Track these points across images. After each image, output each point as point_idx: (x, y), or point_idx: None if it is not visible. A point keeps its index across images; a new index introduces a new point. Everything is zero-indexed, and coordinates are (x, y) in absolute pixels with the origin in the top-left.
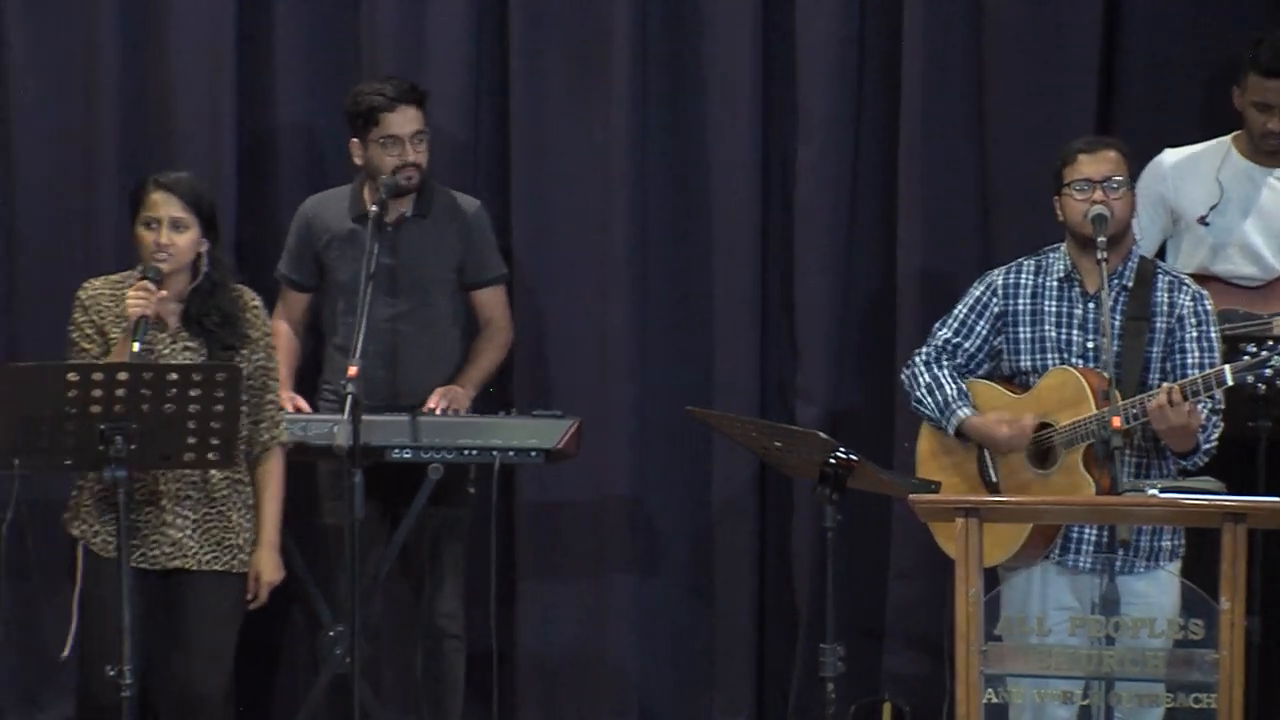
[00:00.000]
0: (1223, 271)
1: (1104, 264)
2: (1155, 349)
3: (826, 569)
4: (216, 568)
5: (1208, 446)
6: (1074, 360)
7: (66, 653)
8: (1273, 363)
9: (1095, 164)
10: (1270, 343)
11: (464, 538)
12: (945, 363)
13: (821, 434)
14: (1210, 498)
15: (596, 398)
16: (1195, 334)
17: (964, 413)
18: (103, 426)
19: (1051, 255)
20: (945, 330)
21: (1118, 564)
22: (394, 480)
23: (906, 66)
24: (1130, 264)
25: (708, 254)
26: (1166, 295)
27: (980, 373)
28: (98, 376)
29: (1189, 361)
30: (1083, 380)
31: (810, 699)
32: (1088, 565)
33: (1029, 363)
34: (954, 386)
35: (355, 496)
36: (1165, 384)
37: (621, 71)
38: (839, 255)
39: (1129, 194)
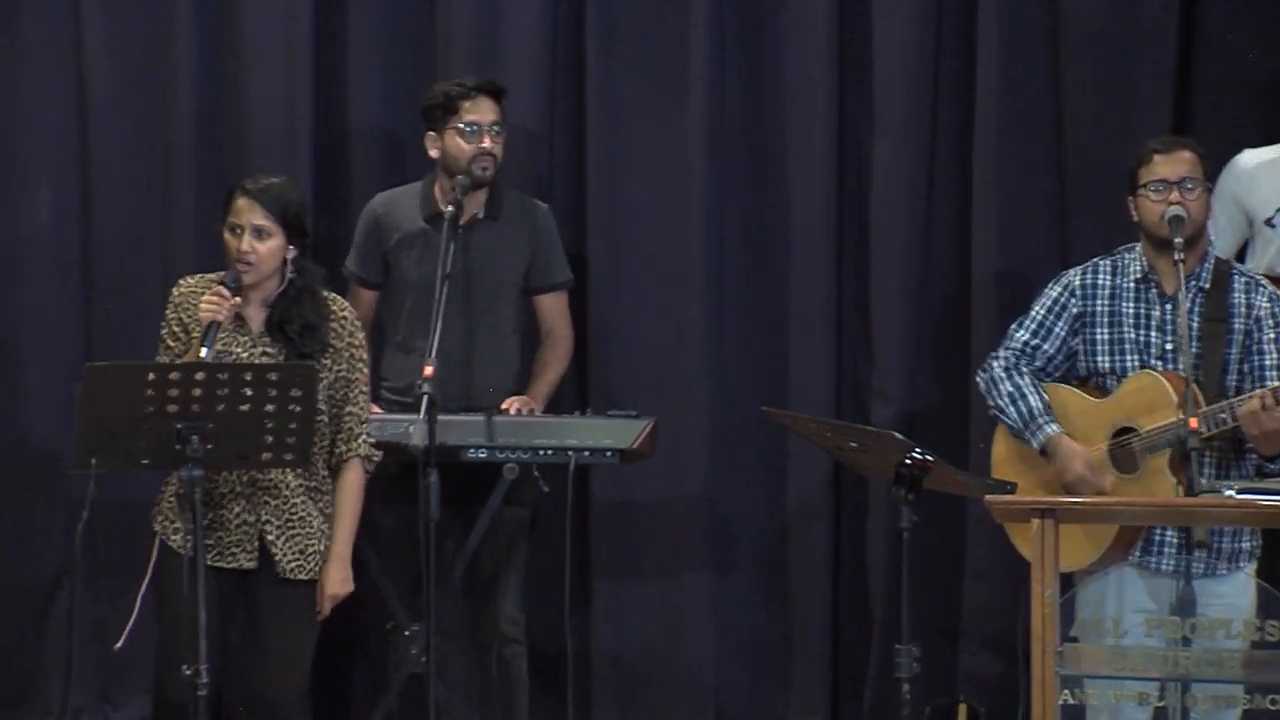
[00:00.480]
0: None
1: (1181, 265)
2: (1233, 350)
3: (902, 570)
4: (301, 576)
5: None
6: (1152, 362)
7: (120, 644)
8: None
9: (1171, 165)
10: None
11: (526, 540)
12: (1024, 367)
13: (897, 434)
14: None
15: (671, 398)
16: (1273, 335)
17: (1051, 429)
18: (179, 426)
19: (1127, 256)
20: (1023, 332)
21: (1201, 567)
22: (464, 481)
23: (982, 66)
24: (1206, 265)
25: (783, 254)
26: (1244, 296)
27: (1057, 375)
28: (175, 376)
29: (1267, 363)
30: (1166, 384)
31: (885, 700)
32: (1169, 567)
33: (1106, 364)
34: (1037, 398)
35: (431, 496)
36: (1259, 389)
37: (698, 71)
38: (914, 255)
39: (1205, 195)
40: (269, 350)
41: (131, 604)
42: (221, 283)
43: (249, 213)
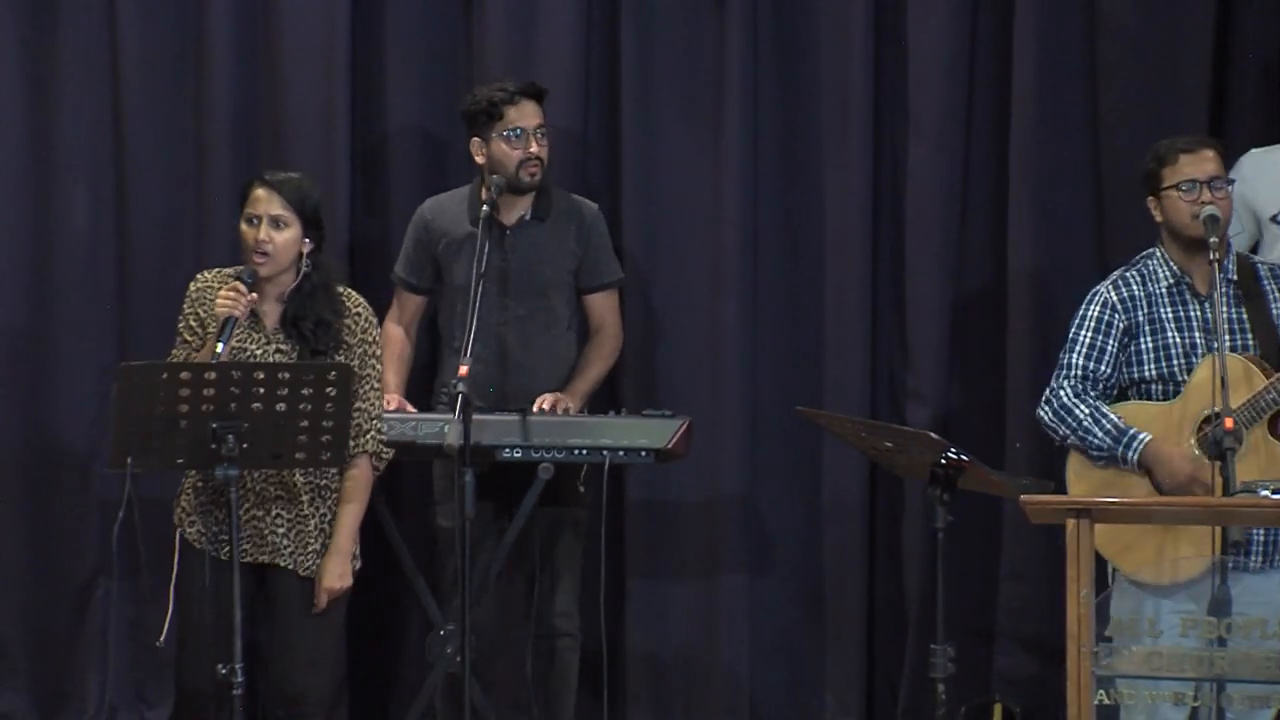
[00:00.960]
0: None
1: (1215, 264)
2: None
3: (937, 570)
4: (314, 574)
5: None
6: (1199, 363)
7: (161, 640)
8: None
9: (1199, 164)
10: None
11: (582, 537)
12: (1091, 392)
13: (932, 434)
14: None
15: (707, 397)
16: None
17: (1145, 436)
18: (214, 425)
19: (1150, 262)
20: (1078, 357)
21: (1251, 561)
22: (507, 481)
23: (1018, 66)
24: (1231, 258)
25: (819, 253)
26: (1273, 284)
27: (1113, 396)
28: (210, 375)
29: None
30: (1239, 361)
31: (920, 699)
32: (1257, 565)
33: (1153, 371)
34: (1116, 415)
35: (466, 496)
36: None
37: (733, 71)
38: (950, 255)
39: (1230, 192)
40: (283, 348)
41: (164, 603)
42: (238, 278)
43: (267, 203)
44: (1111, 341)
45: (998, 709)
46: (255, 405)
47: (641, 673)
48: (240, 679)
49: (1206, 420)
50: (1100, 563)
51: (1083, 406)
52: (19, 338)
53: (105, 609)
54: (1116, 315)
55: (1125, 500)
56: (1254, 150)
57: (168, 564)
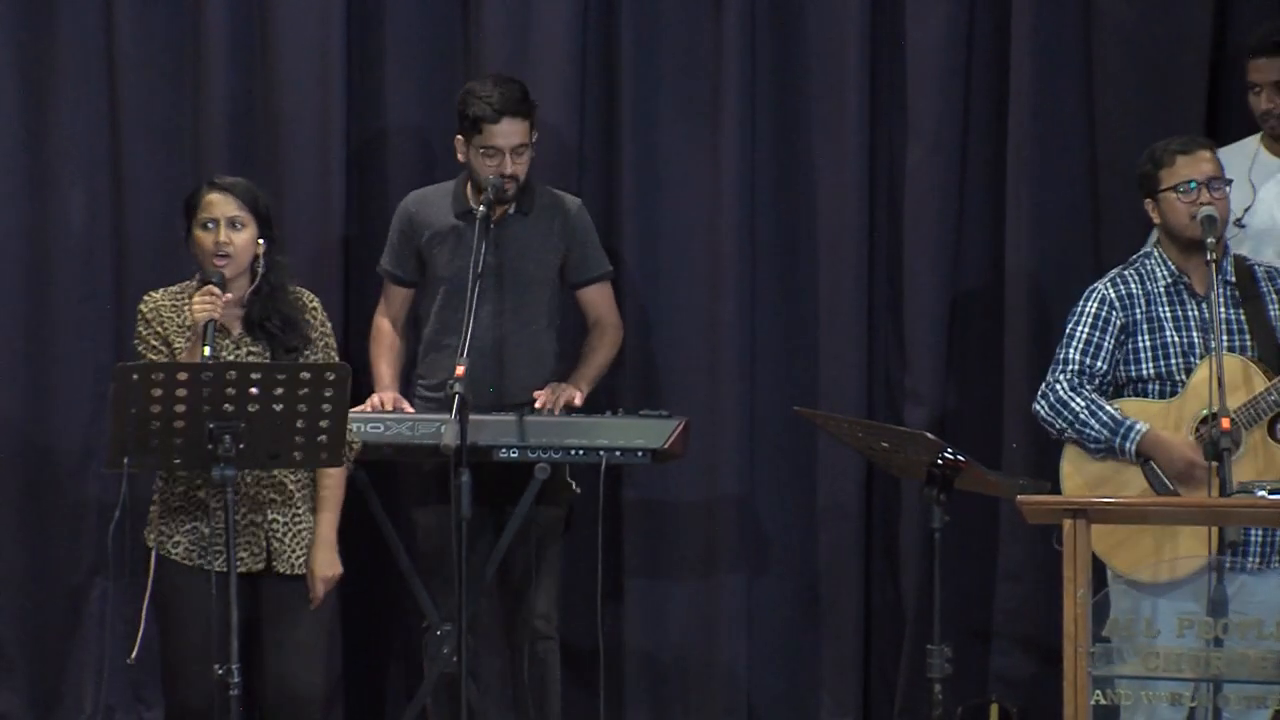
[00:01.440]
0: None
1: (1213, 265)
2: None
3: (933, 570)
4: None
5: None
6: (1197, 362)
7: (133, 658)
8: None
9: (1197, 165)
10: None
11: (560, 539)
12: (1087, 386)
13: (929, 434)
14: None
15: (704, 398)
16: None
17: (1143, 426)
18: (211, 426)
19: (1148, 262)
20: (1074, 353)
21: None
22: (495, 480)
23: (1015, 67)
24: (1228, 259)
25: (815, 254)
26: (1270, 284)
27: (1109, 393)
28: (207, 376)
29: None
30: (1235, 361)
31: (917, 700)
32: (1254, 565)
33: (1151, 370)
34: (1114, 407)
35: (463, 496)
36: None
37: (730, 71)
38: (946, 256)
39: (1227, 193)
40: (254, 350)
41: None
42: (207, 281)
43: (222, 205)
44: (1108, 338)
45: (994, 709)
46: (252, 406)
47: (639, 673)
48: (237, 679)
49: (1204, 420)
50: (1098, 563)
51: (1079, 399)
52: (16, 337)
53: (102, 609)
54: (1114, 312)
55: (1122, 500)
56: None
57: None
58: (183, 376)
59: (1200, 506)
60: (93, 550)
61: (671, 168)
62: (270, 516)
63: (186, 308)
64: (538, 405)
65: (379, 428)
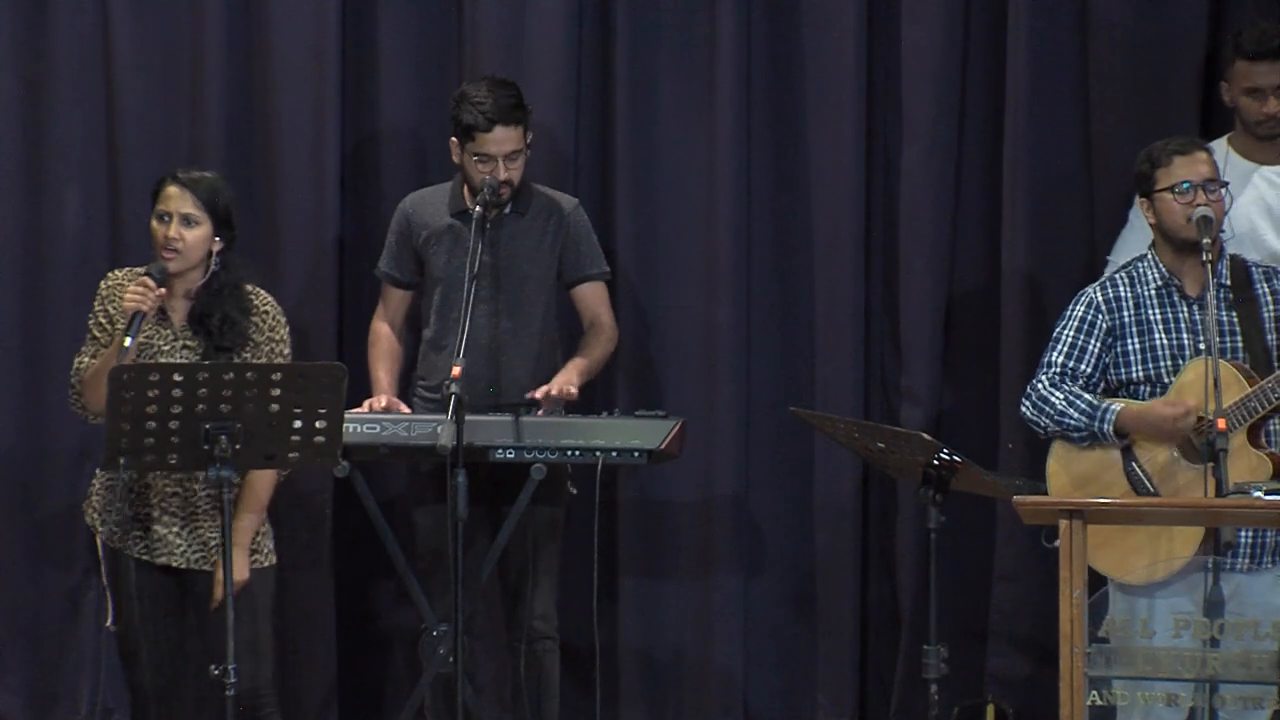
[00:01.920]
0: None
1: (1209, 266)
2: (1272, 338)
3: (929, 570)
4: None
5: None
6: (1186, 365)
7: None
8: None
9: (1193, 166)
10: None
11: (559, 539)
12: (1068, 385)
13: (925, 435)
14: None
15: (700, 398)
16: None
17: (1118, 405)
18: (207, 426)
19: (1140, 264)
20: (1058, 355)
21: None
22: (492, 481)
23: (1011, 67)
24: (1224, 261)
25: (811, 254)
26: (1266, 285)
27: (1095, 394)
28: (203, 376)
29: None
30: (1225, 367)
31: (913, 700)
32: (1242, 567)
33: (1140, 373)
34: (1092, 395)
35: (460, 497)
36: None
37: (725, 71)
38: (942, 255)
39: (1223, 194)
40: (189, 344)
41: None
42: (147, 273)
43: (179, 200)
44: (1094, 341)
45: (990, 710)
46: (249, 406)
47: (635, 673)
48: (233, 679)
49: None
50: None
51: (1058, 394)
52: (11, 337)
53: (98, 609)
54: (1100, 315)
55: (1118, 501)
56: None
57: None
58: (179, 377)
59: (1197, 507)
60: (89, 551)
61: (667, 169)
62: (171, 512)
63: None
64: (538, 395)
65: (375, 428)
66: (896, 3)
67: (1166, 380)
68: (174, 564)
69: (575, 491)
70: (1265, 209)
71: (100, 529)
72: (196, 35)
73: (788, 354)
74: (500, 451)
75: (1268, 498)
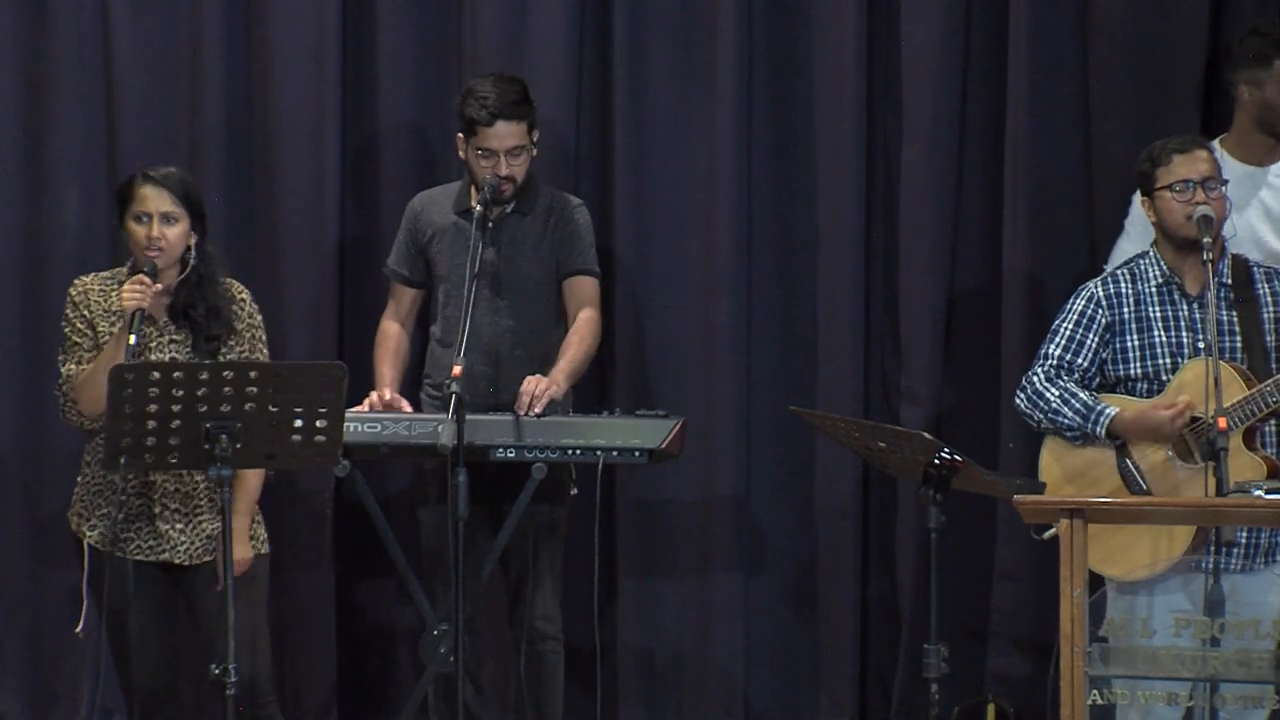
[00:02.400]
0: None
1: (1209, 265)
2: (1271, 339)
3: (930, 570)
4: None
5: None
6: (1185, 363)
7: (80, 629)
8: None
9: (1192, 164)
10: None
11: (561, 539)
12: (1064, 379)
13: (925, 434)
14: None
15: (700, 397)
16: None
17: (1112, 410)
18: (208, 425)
19: (1142, 261)
20: (1055, 348)
21: (1237, 563)
22: (493, 480)
23: (1012, 67)
24: (1225, 260)
25: (812, 254)
26: (1267, 285)
27: (1091, 388)
28: (203, 376)
29: None
30: (1224, 367)
31: (914, 700)
32: (1236, 567)
33: (1139, 370)
34: (1087, 393)
35: (460, 496)
36: None
37: (726, 70)
38: (943, 255)
39: (1224, 193)
40: (176, 338)
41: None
42: (141, 270)
43: (156, 200)
44: (1092, 336)
45: (991, 709)
46: (249, 405)
47: (635, 672)
48: (234, 678)
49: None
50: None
51: (1053, 389)
52: (11, 337)
53: (98, 610)
54: (1100, 310)
55: (1119, 500)
56: None
57: None
58: (179, 376)
59: (1197, 506)
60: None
61: (667, 167)
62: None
63: (115, 294)
64: (516, 406)
65: (376, 427)
66: (896, 3)
67: (1164, 378)
68: (176, 560)
69: (576, 491)
70: (1264, 211)
71: (88, 534)
72: (196, 35)
73: (788, 354)
74: (501, 451)
75: (1268, 497)
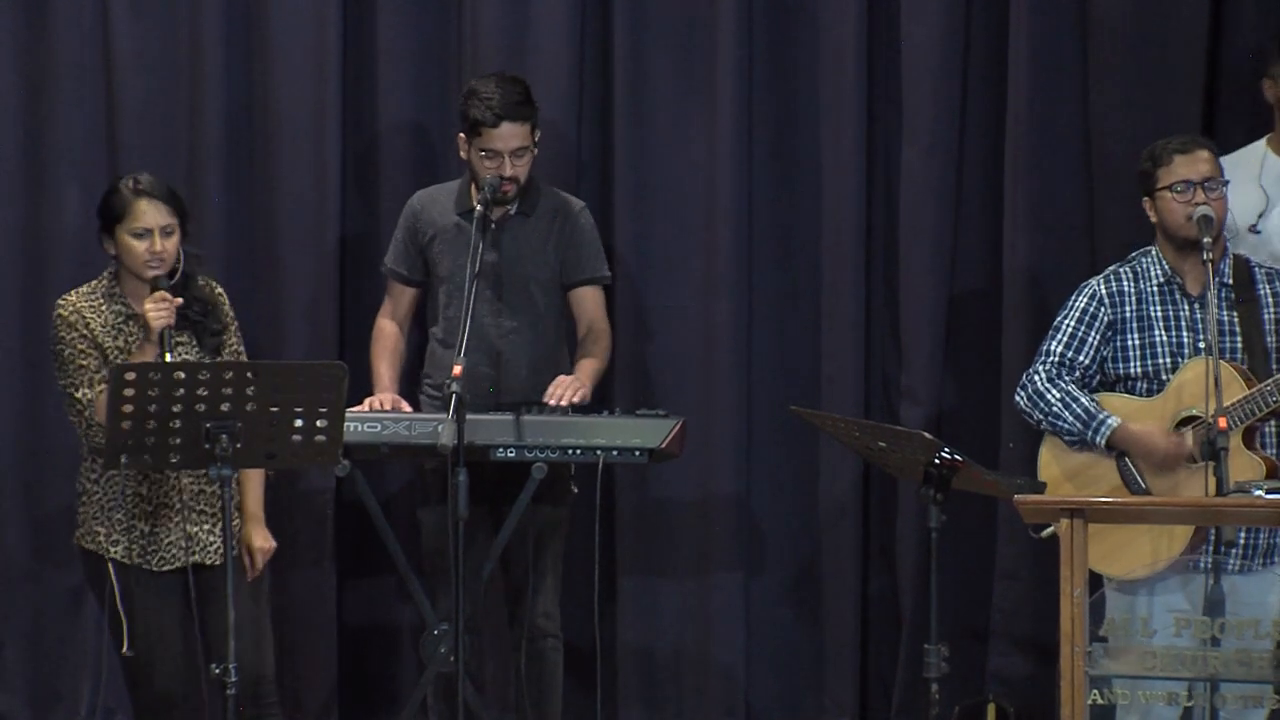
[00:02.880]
0: None
1: (1209, 265)
2: (1271, 339)
3: (930, 569)
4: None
5: None
6: (1185, 363)
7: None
8: None
9: (1193, 164)
10: None
11: (563, 538)
12: (1066, 377)
13: (926, 434)
14: None
15: (701, 397)
16: None
17: (1114, 420)
18: (208, 425)
19: (1144, 260)
20: (1057, 345)
21: (1236, 564)
22: (493, 480)
23: (1012, 67)
24: (1227, 260)
25: (813, 253)
26: (1268, 286)
27: (1092, 386)
28: (204, 375)
29: None
30: (1224, 367)
31: (914, 699)
32: (1235, 567)
33: (1139, 368)
34: (1089, 399)
35: (460, 496)
36: None
37: (726, 70)
38: (943, 255)
39: (1224, 193)
40: (181, 339)
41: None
42: (158, 287)
43: (154, 215)
44: (1094, 333)
45: (991, 709)
46: (249, 405)
47: (635, 672)
48: (234, 678)
49: (1184, 421)
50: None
51: (1054, 391)
52: (11, 337)
53: (99, 609)
54: (1102, 308)
55: (1120, 500)
56: (1221, 159)
57: None
58: (180, 376)
59: (1198, 506)
60: (88, 570)
61: (667, 166)
62: (199, 508)
63: (107, 308)
64: (546, 397)
65: (376, 427)
66: (896, 3)
67: (1164, 377)
68: (208, 561)
69: (577, 490)
70: None
71: (112, 550)
72: (196, 35)
73: (788, 353)
74: (501, 451)
75: (1268, 497)
